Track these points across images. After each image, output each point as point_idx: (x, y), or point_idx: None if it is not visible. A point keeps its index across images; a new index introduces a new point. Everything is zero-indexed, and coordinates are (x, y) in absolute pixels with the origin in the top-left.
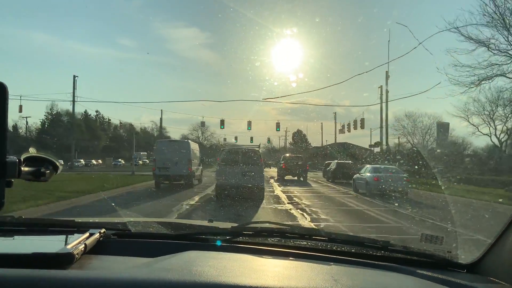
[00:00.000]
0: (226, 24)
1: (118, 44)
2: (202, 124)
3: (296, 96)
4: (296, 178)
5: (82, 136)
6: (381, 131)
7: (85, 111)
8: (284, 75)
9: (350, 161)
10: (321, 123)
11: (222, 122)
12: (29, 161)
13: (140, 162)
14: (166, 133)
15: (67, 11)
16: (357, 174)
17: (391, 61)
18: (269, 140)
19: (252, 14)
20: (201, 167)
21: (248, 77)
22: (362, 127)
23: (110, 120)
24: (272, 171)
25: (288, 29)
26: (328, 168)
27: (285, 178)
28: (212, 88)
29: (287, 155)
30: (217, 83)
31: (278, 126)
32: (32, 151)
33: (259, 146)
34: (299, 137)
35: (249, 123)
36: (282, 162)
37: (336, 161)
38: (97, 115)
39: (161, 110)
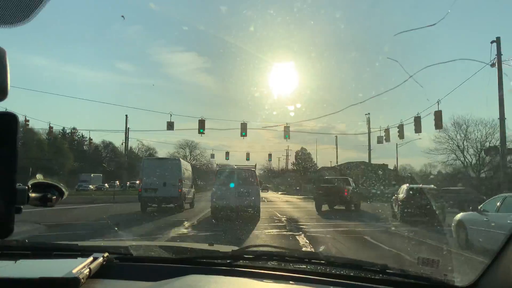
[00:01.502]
0: (226, 58)
1: (116, 68)
2: (170, 125)
3: (293, 125)
4: (345, 208)
5: (41, 155)
6: (501, 126)
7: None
8: (282, 105)
9: (432, 186)
10: (335, 136)
11: (201, 124)
12: (36, 187)
13: (92, 187)
14: (155, 153)
15: (65, 36)
16: (472, 213)
17: (383, 92)
18: (270, 158)
19: (252, 50)
20: (193, 190)
21: (247, 107)
22: (439, 126)
23: (91, 139)
24: (277, 199)
25: (286, 62)
26: (394, 197)
27: (323, 209)
28: (211, 113)
29: (327, 177)
30: (216, 109)
31: (287, 132)
32: (39, 177)
33: (255, 166)
34: (303, 156)
35: (244, 127)
36: (321, 186)
37: (406, 185)
38: (73, 132)
39: (126, 116)
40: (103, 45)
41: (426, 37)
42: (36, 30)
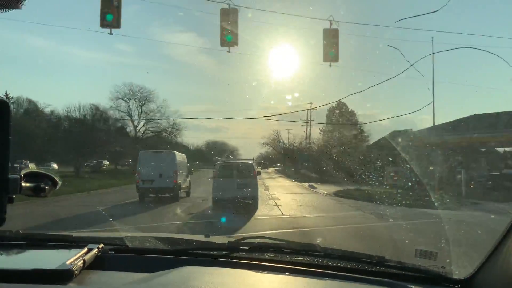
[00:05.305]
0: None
1: (115, 49)
2: None
3: (292, 113)
4: None
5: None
6: None
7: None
8: (280, 93)
9: None
10: None
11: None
12: (29, 176)
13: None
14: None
15: (63, 16)
16: None
17: (383, 81)
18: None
19: (249, 36)
20: (189, 179)
21: (245, 80)
22: None
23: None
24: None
25: (284, 49)
26: None
27: None
28: (210, 91)
29: None
30: (216, 87)
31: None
32: (32, 167)
33: (253, 159)
34: (345, 117)
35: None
36: None
37: None
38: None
39: None
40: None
41: (429, 24)
42: (34, 10)
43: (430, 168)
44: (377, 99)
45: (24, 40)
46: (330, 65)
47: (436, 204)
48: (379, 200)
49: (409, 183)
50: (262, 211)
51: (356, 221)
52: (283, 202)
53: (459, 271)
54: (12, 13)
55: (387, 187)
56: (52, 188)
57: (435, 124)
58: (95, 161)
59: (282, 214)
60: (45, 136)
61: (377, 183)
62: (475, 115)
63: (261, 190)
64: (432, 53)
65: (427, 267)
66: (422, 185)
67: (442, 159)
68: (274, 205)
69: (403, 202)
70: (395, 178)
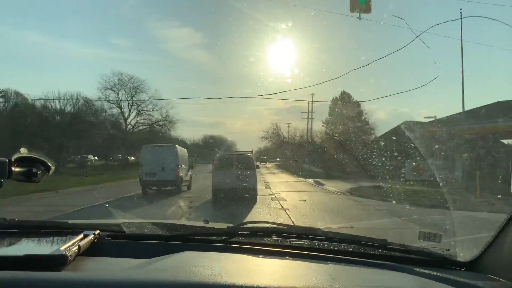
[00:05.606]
0: (219, 18)
1: (111, 43)
2: None
3: (291, 92)
4: None
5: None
6: None
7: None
8: (279, 71)
9: None
10: None
11: None
12: (21, 161)
13: None
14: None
15: (59, 11)
16: None
17: (387, 55)
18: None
19: (247, 8)
20: (190, 173)
21: (242, 74)
22: None
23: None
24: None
25: (283, 23)
26: None
27: None
28: (207, 87)
29: None
30: (212, 83)
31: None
32: (23, 151)
33: (252, 152)
34: (349, 108)
35: None
36: None
37: None
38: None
39: None
40: (99, 20)
41: None
42: (31, 4)
43: (460, 161)
44: (379, 81)
45: (20, 34)
46: (359, 18)
47: (486, 206)
48: (409, 200)
49: (437, 179)
50: (266, 218)
51: (404, 237)
52: (290, 204)
53: (464, 254)
54: (12, 10)
55: (410, 183)
56: (45, 173)
57: (444, 115)
58: (79, 157)
59: (294, 224)
60: (16, 127)
61: (395, 179)
62: (498, 102)
63: (261, 188)
64: (461, 18)
65: (431, 249)
66: (455, 181)
67: (476, 150)
68: (280, 209)
69: (440, 203)
70: (420, 173)
